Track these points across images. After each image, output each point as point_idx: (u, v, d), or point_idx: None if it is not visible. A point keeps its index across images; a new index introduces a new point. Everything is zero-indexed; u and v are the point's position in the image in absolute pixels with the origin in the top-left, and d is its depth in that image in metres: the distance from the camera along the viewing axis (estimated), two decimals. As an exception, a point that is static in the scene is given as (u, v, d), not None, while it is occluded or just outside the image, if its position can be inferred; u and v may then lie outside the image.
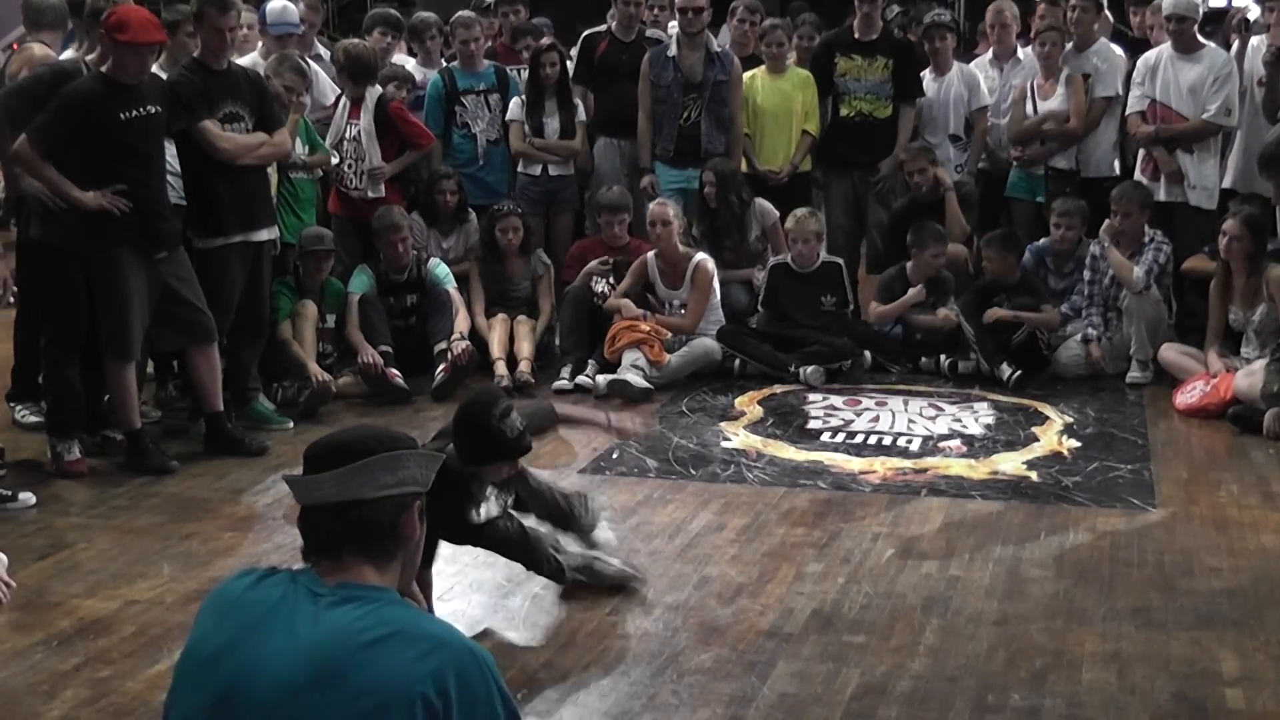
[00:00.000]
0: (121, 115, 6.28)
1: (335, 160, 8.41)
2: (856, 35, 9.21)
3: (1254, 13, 9.02)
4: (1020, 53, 9.52)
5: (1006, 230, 8.80)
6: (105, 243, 6.32)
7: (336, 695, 2.23)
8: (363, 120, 8.47)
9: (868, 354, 8.45)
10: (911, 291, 8.51)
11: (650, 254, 8.40)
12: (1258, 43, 8.49)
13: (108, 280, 6.37)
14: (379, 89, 8.61)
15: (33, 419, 7.13)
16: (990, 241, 8.48)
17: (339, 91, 8.67)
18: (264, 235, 7.17)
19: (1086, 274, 8.28)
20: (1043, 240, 8.65)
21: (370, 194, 8.54)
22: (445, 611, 4.72)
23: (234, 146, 6.86)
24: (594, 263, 8.52)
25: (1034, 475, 6.43)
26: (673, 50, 8.97)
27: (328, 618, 2.31)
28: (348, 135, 8.47)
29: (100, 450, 6.78)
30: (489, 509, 4.77)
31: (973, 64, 9.62)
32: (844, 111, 9.21)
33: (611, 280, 8.48)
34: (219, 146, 6.81)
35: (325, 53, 9.36)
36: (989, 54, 9.63)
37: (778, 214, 8.83)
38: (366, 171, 8.49)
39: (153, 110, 6.42)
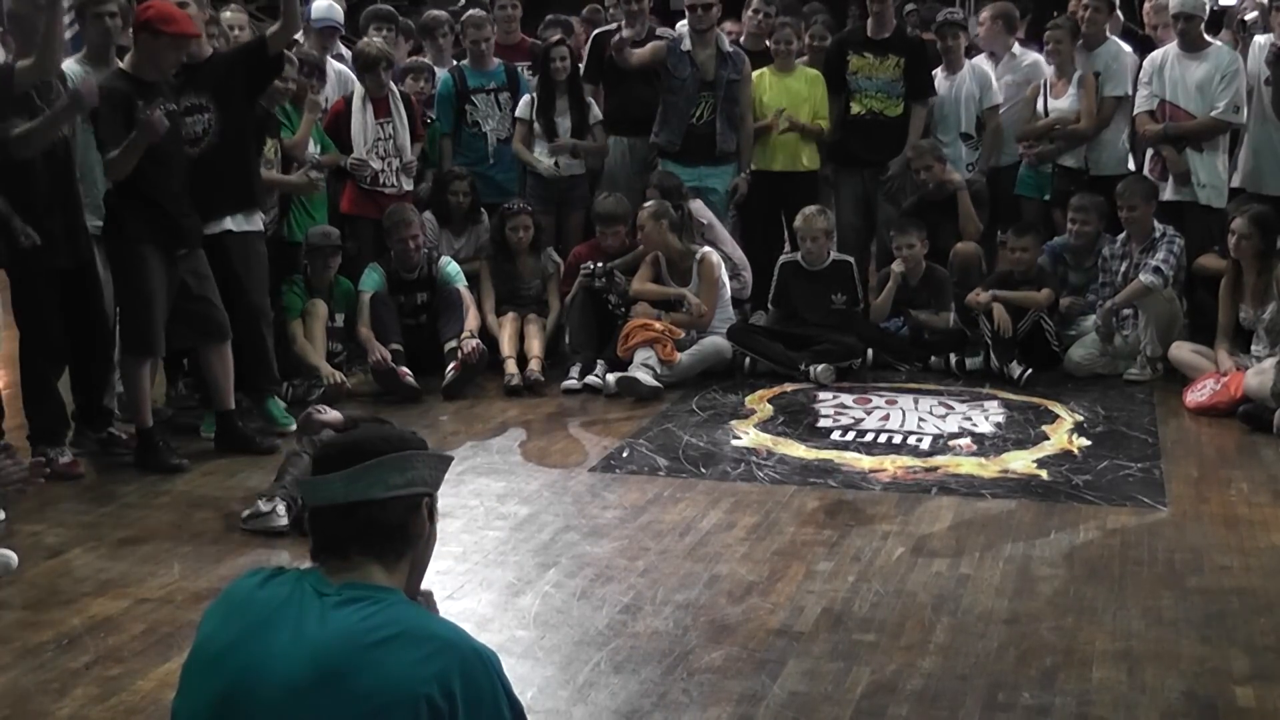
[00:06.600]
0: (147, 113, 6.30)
1: (376, 165, 8.42)
2: (869, 33, 9.21)
3: (1250, 14, 8.99)
4: (1016, 49, 9.50)
5: (1029, 220, 8.80)
6: (128, 239, 6.34)
7: (341, 695, 2.23)
8: (394, 116, 8.49)
9: (870, 352, 8.44)
10: (889, 272, 8.59)
11: (658, 251, 8.40)
12: (1264, 40, 8.47)
13: (130, 276, 6.39)
14: (393, 84, 8.63)
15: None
16: (1022, 231, 8.45)
17: (343, 93, 8.68)
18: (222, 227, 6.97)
19: (1100, 275, 8.29)
20: (1058, 239, 8.65)
21: (406, 188, 8.59)
22: (455, 610, 4.72)
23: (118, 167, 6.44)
24: (581, 275, 8.42)
25: (1044, 474, 6.42)
26: (686, 45, 8.98)
27: (334, 617, 2.30)
28: (381, 135, 8.48)
29: (104, 448, 6.78)
30: None
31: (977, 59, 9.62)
32: (855, 109, 9.21)
33: (607, 282, 8.41)
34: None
35: (346, 52, 9.39)
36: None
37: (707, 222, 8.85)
38: (402, 166, 8.54)
39: (171, 107, 6.44)
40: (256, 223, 7.16)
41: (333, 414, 6.11)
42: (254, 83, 6.94)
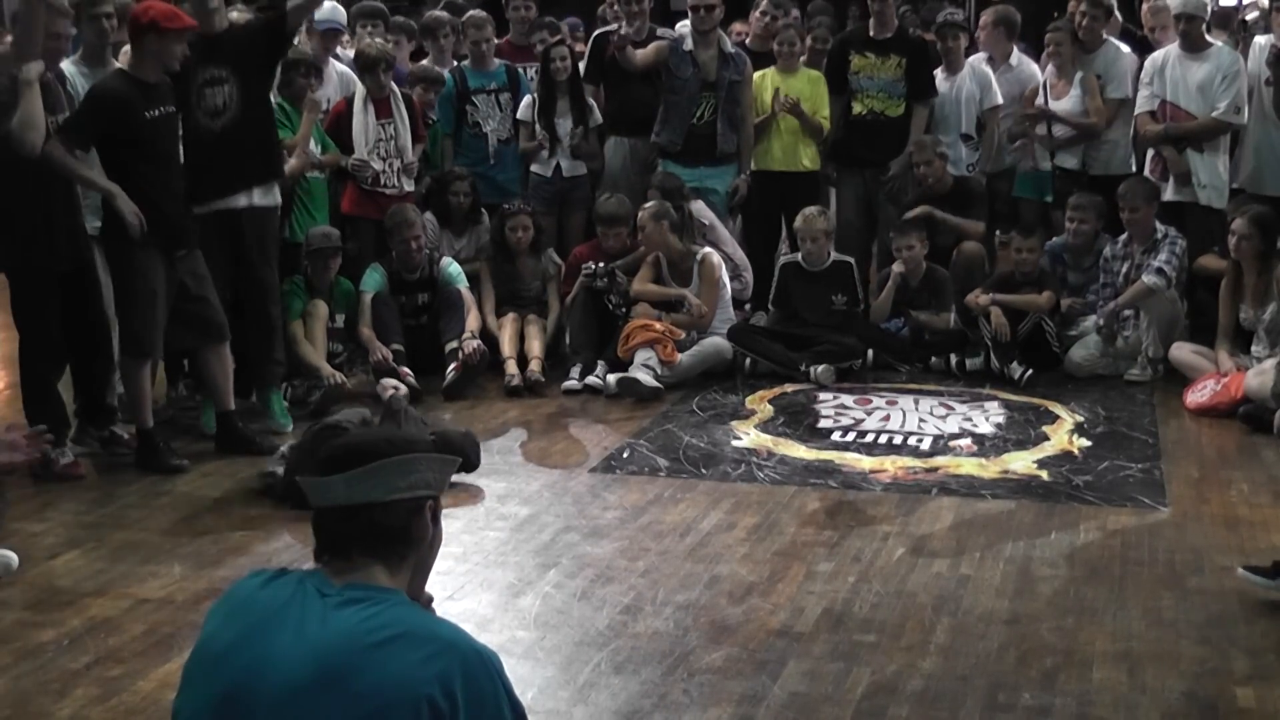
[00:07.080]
0: (147, 114, 6.31)
1: (377, 166, 8.42)
2: (871, 33, 9.21)
3: (1250, 14, 8.99)
4: (1014, 59, 9.50)
5: (1034, 221, 8.80)
6: (126, 241, 6.34)
7: (342, 696, 2.22)
8: (396, 116, 8.49)
9: (870, 352, 8.44)
10: (890, 273, 8.59)
11: (658, 251, 8.39)
12: (1264, 41, 8.47)
13: (129, 278, 6.40)
14: (394, 84, 8.63)
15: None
16: (1029, 232, 8.46)
17: (344, 94, 8.68)
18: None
19: (1101, 276, 8.29)
20: (1056, 239, 8.64)
21: (407, 189, 8.59)
22: (455, 611, 4.72)
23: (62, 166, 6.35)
24: (582, 276, 8.40)
25: (1045, 474, 6.42)
26: (688, 45, 8.98)
27: (336, 618, 2.30)
28: (382, 136, 8.48)
29: (106, 447, 6.78)
30: None
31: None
32: (856, 109, 9.21)
33: (607, 282, 8.40)
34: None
35: (346, 53, 9.39)
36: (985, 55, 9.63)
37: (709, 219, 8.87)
38: (403, 167, 8.54)
39: (170, 109, 6.44)
40: (275, 197, 7.20)
41: (401, 395, 6.41)
42: (271, 54, 7.03)
